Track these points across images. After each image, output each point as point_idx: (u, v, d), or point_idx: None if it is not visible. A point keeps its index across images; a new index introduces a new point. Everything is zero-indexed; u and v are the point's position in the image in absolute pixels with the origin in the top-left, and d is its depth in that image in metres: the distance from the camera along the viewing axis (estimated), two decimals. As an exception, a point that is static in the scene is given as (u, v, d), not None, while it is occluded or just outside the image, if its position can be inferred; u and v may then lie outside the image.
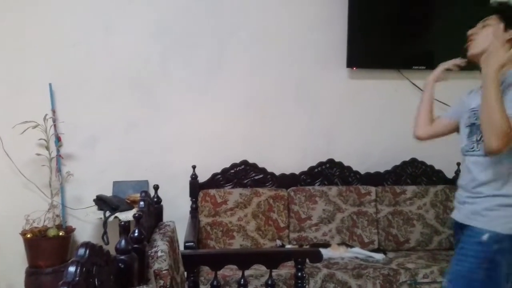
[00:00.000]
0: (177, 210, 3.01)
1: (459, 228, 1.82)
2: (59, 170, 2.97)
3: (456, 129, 1.99)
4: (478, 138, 1.77)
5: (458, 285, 1.75)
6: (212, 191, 3.02)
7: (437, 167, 3.25)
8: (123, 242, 1.36)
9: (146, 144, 3.09)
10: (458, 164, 3.23)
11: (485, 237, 1.68)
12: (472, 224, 1.74)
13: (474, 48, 1.85)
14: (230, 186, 3.11)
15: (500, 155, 1.65)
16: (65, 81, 2.99)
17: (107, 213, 2.71)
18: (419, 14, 3.23)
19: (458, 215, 1.84)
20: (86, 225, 3.04)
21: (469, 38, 1.88)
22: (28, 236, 2.79)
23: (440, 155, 3.24)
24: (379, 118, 3.28)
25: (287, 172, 3.17)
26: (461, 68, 2.06)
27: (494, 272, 1.68)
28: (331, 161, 3.20)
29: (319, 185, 3.18)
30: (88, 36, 3.01)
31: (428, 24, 3.26)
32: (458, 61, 2.05)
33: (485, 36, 1.80)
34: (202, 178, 3.08)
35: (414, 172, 3.25)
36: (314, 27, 3.18)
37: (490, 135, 1.60)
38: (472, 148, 1.80)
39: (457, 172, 3.23)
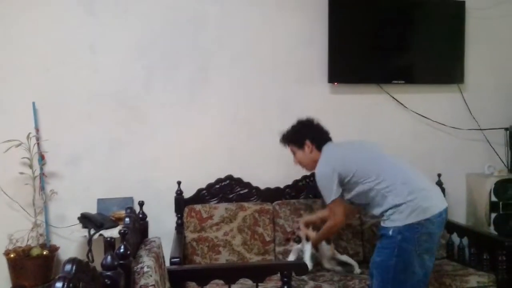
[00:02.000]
0: (162, 226, 3.01)
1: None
2: (42, 188, 2.95)
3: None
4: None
5: (379, 271, 2.25)
6: (198, 207, 3.02)
7: (418, 178, 3.31)
8: (109, 258, 1.37)
9: (130, 160, 3.09)
10: (439, 175, 3.30)
11: (390, 232, 2.20)
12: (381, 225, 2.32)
13: (308, 168, 2.66)
14: (215, 201, 3.12)
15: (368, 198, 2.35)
16: (49, 99, 2.99)
17: (92, 231, 2.69)
18: (398, 30, 3.32)
19: None
20: (70, 244, 3.01)
21: (302, 166, 2.66)
22: (12, 255, 2.75)
23: (421, 167, 3.23)
24: (360, 131, 3.34)
25: (272, 186, 3.20)
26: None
27: (404, 256, 2.18)
28: (315, 175, 3.23)
29: (303, 198, 3.21)
30: (72, 54, 3.02)
31: (406, 39, 3.35)
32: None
33: (303, 160, 2.60)
34: (188, 193, 3.09)
35: (396, 184, 3.30)
36: (296, 45, 3.24)
37: (334, 230, 2.63)
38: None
39: (438, 184, 3.29)
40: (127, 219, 1.74)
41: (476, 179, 3.39)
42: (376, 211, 2.33)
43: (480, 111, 3.44)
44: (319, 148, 2.51)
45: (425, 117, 3.37)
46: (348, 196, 2.41)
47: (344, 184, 2.37)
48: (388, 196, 2.26)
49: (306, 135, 2.54)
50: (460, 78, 3.41)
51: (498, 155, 3.47)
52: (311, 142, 2.52)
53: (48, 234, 3.00)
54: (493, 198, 3.21)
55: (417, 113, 3.35)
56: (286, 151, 3.21)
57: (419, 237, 2.18)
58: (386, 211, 2.26)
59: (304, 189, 3.23)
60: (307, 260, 2.68)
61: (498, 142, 3.47)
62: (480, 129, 3.44)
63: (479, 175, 3.38)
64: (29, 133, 2.85)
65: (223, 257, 2.95)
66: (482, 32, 3.45)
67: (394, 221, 2.22)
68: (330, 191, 2.37)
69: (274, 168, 3.25)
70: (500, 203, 3.20)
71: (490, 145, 3.47)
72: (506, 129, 3.43)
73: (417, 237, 2.18)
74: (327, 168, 2.40)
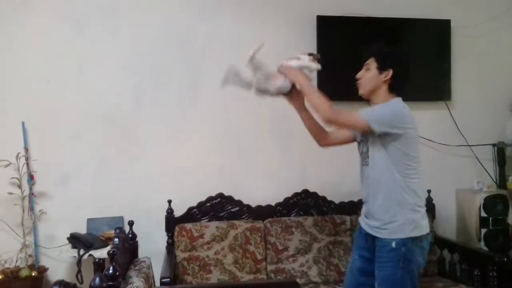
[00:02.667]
0: (153, 245, 2.99)
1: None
2: (31, 208, 2.93)
3: (354, 139, 2.38)
4: (364, 151, 2.25)
5: (385, 286, 2.16)
6: (188, 225, 3.01)
7: (408, 194, 3.32)
8: (97, 279, 1.36)
9: (120, 179, 3.08)
10: (429, 191, 3.33)
11: (393, 244, 2.11)
12: (381, 236, 2.17)
13: (361, 89, 2.28)
14: (206, 220, 3.11)
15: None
16: (38, 119, 2.99)
17: (81, 251, 2.67)
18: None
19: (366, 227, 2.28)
20: (59, 265, 2.97)
21: (357, 81, 2.29)
22: (0, 277, 2.72)
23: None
24: (350, 148, 3.35)
25: (263, 204, 3.20)
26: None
27: (409, 268, 2.13)
28: (306, 192, 3.24)
29: (295, 215, 3.21)
30: (61, 74, 3.03)
31: (394, 57, 3.39)
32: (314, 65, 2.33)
33: (367, 79, 2.24)
34: (178, 212, 3.07)
35: (387, 200, 3.31)
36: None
37: (320, 107, 2.18)
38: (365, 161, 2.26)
39: (428, 200, 3.31)
40: (116, 239, 1.73)
41: (466, 195, 3.41)
42: (383, 198, 2.16)
43: (468, 127, 3.48)
44: (391, 87, 2.22)
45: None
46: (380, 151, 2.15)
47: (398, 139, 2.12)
48: (412, 189, 2.14)
49: (396, 64, 2.21)
50: (447, 95, 3.46)
51: (486, 171, 3.50)
52: (392, 75, 2.20)
53: (37, 255, 2.96)
54: (483, 214, 3.23)
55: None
56: (277, 168, 3.24)
57: (419, 251, 2.16)
58: (390, 210, 2.14)
59: (295, 207, 3.23)
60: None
61: (486, 158, 3.51)
62: (468, 145, 3.48)
63: (469, 191, 3.41)
64: (18, 153, 2.84)
65: (215, 277, 2.93)
66: (468, 50, 3.51)
67: (395, 233, 2.14)
68: (379, 116, 2.11)
69: (265, 185, 3.25)
70: (490, 218, 3.22)
71: (479, 161, 3.50)
72: (494, 145, 3.48)
73: (417, 250, 2.15)
74: (408, 115, 2.17)
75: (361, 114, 2.15)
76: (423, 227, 2.17)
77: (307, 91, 2.22)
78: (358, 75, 2.28)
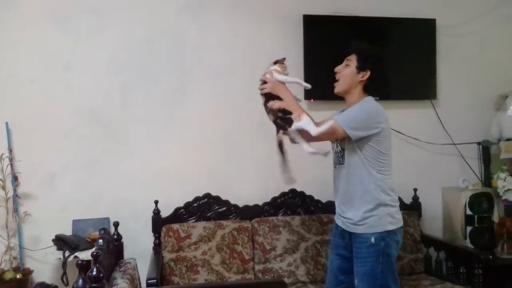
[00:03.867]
0: (140, 246, 2.98)
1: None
2: (16, 210, 2.90)
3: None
4: (338, 150, 2.30)
5: (366, 281, 2.18)
6: (175, 226, 2.99)
7: (395, 193, 3.34)
8: (80, 281, 1.35)
9: (106, 180, 3.06)
10: (415, 190, 3.35)
11: (372, 239, 2.16)
12: (359, 231, 2.21)
13: (338, 87, 2.33)
14: (193, 220, 3.09)
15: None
16: (22, 119, 2.95)
17: (67, 253, 2.65)
18: (372, 47, 3.39)
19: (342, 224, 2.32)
20: (45, 267, 2.94)
21: (336, 75, 2.33)
22: (-17, 280, 2.68)
23: (397, 182, 3.29)
24: (338, 148, 3.37)
25: (251, 204, 3.19)
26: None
27: (388, 261, 2.18)
28: (293, 191, 3.24)
29: (282, 215, 3.21)
30: (46, 72, 3.00)
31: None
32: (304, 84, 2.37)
33: (345, 76, 2.29)
34: (165, 213, 3.06)
35: (373, 199, 3.32)
36: (272, 60, 3.26)
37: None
38: (339, 160, 2.31)
39: (414, 198, 3.34)
40: (100, 241, 1.72)
41: (451, 193, 3.44)
42: (356, 192, 2.22)
43: (453, 126, 3.51)
44: (367, 88, 2.28)
45: (400, 132, 3.42)
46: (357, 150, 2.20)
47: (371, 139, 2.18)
48: (386, 185, 2.21)
49: (374, 67, 2.26)
50: (433, 94, 3.48)
51: (472, 169, 3.54)
52: (369, 76, 2.25)
53: (22, 257, 2.93)
54: (468, 212, 3.25)
55: (391, 129, 3.38)
56: (264, 168, 3.23)
57: (395, 244, 2.22)
58: (366, 205, 2.19)
59: (283, 206, 3.23)
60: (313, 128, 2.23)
61: (471, 156, 3.54)
62: (454, 144, 3.51)
63: (454, 189, 3.44)
64: (2, 154, 2.81)
65: (202, 277, 2.92)
66: (453, 49, 3.54)
67: (373, 227, 2.18)
68: (355, 122, 2.16)
69: (253, 185, 3.25)
70: (475, 216, 3.24)
71: (464, 159, 3.53)
72: (479, 143, 3.51)
73: (394, 244, 2.21)
74: (381, 114, 2.21)
75: (338, 122, 2.18)
76: (398, 221, 2.23)
77: (292, 107, 2.22)
78: (337, 68, 2.34)
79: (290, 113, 2.22)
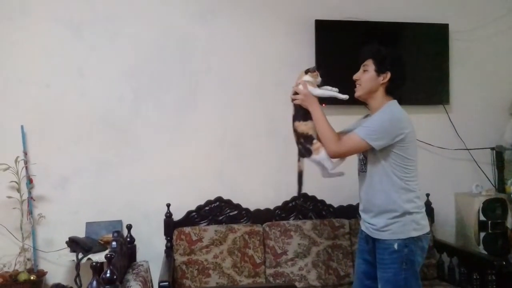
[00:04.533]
0: (152, 249, 3.00)
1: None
2: (30, 212, 2.93)
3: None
4: (361, 157, 2.28)
5: (388, 287, 2.15)
6: (187, 229, 3.01)
7: (407, 198, 3.32)
8: (94, 283, 1.37)
9: (119, 183, 3.08)
10: (428, 195, 3.33)
11: (395, 245, 2.12)
12: (382, 237, 2.18)
13: (359, 91, 2.28)
14: (205, 223, 3.11)
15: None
16: (38, 122, 3.00)
17: (80, 255, 2.67)
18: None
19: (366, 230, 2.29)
20: (58, 268, 2.97)
21: (356, 82, 2.28)
22: (-2, 281, 2.72)
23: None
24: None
25: (262, 208, 3.20)
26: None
27: (412, 269, 2.14)
28: (304, 196, 3.24)
29: (293, 219, 3.21)
30: (61, 78, 3.04)
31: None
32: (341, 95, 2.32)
33: (366, 81, 2.24)
34: (177, 216, 3.07)
35: (385, 204, 3.31)
36: (284, 67, 3.28)
37: (326, 143, 2.20)
38: (362, 168, 2.28)
39: (427, 203, 3.31)
40: (114, 243, 1.74)
41: (465, 198, 3.41)
42: (380, 201, 2.18)
43: (466, 131, 3.49)
44: (388, 90, 2.23)
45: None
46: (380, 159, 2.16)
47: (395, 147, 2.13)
48: (411, 192, 2.17)
49: (394, 68, 2.22)
50: (446, 99, 3.47)
51: (485, 174, 3.51)
52: (390, 78, 2.21)
53: (36, 258, 2.96)
54: (482, 218, 3.23)
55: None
56: (276, 172, 3.24)
57: (420, 251, 2.17)
58: (391, 213, 2.15)
59: (294, 210, 3.23)
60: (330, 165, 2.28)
61: (484, 161, 3.52)
62: (467, 149, 3.49)
63: (467, 194, 3.41)
64: (17, 157, 2.85)
65: (213, 280, 2.92)
66: (466, 54, 3.53)
67: (396, 234, 2.14)
68: (378, 133, 2.11)
69: (264, 189, 3.26)
70: (489, 222, 3.22)
71: (477, 164, 3.51)
72: (492, 148, 3.48)
73: (418, 250, 2.17)
74: (405, 120, 2.17)
75: (360, 136, 2.14)
76: (423, 227, 2.19)
77: (319, 121, 2.22)
78: (356, 76, 2.29)
79: (312, 140, 2.23)
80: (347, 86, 3.31)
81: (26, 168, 2.92)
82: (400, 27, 3.41)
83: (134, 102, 3.13)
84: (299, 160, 2.33)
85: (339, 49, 3.29)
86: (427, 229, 2.20)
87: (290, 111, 3.26)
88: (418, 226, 2.17)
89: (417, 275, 2.17)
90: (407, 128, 2.16)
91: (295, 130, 2.30)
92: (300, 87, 2.26)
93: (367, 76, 2.24)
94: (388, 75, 2.21)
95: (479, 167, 3.51)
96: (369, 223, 2.26)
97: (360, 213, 2.35)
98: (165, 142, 3.16)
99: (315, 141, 2.25)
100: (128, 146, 3.11)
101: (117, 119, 3.11)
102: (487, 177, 3.51)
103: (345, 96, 2.28)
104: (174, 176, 3.14)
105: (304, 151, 2.27)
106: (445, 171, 3.48)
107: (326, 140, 2.20)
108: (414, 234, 2.15)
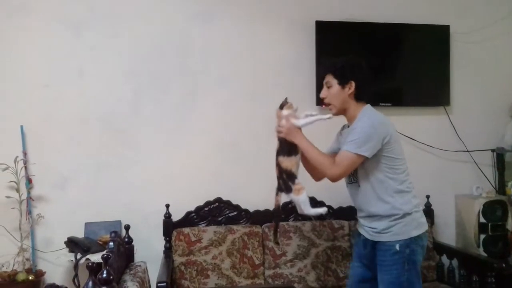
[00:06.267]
0: (151, 250, 3.00)
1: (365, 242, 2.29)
2: (29, 212, 2.93)
3: None
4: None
5: None
6: (186, 230, 3.00)
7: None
8: (90, 283, 1.36)
9: (118, 184, 3.08)
10: (428, 197, 3.32)
11: (397, 246, 2.13)
12: (383, 239, 2.18)
13: (333, 109, 2.27)
14: (204, 224, 3.10)
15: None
16: (37, 122, 3.00)
17: (78, 255, 2.67)
18: (384, 53, 3.37)
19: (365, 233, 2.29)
20: (57, 269, 2.97)
21: (324, 100, 2.29)
22: (-3, 281, 2.72)
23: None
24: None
25: (261, 209, 3.19)
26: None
27: (414, 269, 2.16)
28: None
29: (293, 220, 3.20)
30: (60, 78, 3.04)
31: (393, 63, 3.40)
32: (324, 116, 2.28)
33: (334, 97, 2.24)
34: (176, 216, 3.07)
35: (385, 206, 3.30)
36: (284, 68, 3.29)
37: (322, 169, 2.20)
38: (350, 180, 2.28)
39: (427, 205, 3.30)
40: (111, 243, 1.73)
41: (465, 200, 3.40)
42: (378, 209, 2.18)
43: (467, 133, 3.48)
44: (358, 97, 2.23)
45: (413, 139, 3.40)
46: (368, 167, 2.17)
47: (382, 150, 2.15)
48: (406, 192, 2.18)
49: (355, 75, 2.22)
50: (446, 101, 3.46)
51: (485, 176, 3.50)
52: (355, 86, 2.21)
53: (35, 258, 2.96)
54: (482, 220, 3.22)
55: (404, 135, 3.38)
56: (275, 173, 3.23)
57: (421, 250, 2.19)
58: (391, 217, 2.15)
59: (294, 212, 3.22)
60: (309, 208, 2.32)
61: (485, 163, 3.50)
62: (467, 151, 3.48)
63: (468, 196, 3.40)
64: (17, 157, 2.85)
65: (212, 281, 2.92)
66: (467, 55, 3.52)
67: (398, 235, 2.15)
68: (366, 142, 2.10)
69: (263, 190, 3.22)
70: (489, 224, 3.21)
71: (478, 166, 3.50)
72: (493, 150, 3.47)
73: (419, 249, 2.18)
74: (385, 121, 2.18)
75: (351, 151, 2.13)
76: (422, 225, 2.21)
77: (309, 150, 2.22)
78: (322, 94, 2.29)
79: (294, 179, 2.23)
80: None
81: (25, 168, 2.92)
82: (401, 28, 3.40)
83: (133, 102, 3.12)
84: (277, 194, 2.32)
85: (339, 50, 3.25)
86: (426, 226, 2.23)
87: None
88: (418, 224, 2.19)
89: (419, 275, 2.18)
90: (389, 129, 2.18)
91: (278, 165, 2.30)
92: (283, 121, 2.26)
93: (333, 92, 2.24)
94: (352, 84, 2.21)
95: (480, 169, 3.50)
96: (369, 227, 2.25)
97: (359, 219, 2.35)
98: (164, 143, 3.15)
99: (297, 181, 2.26)
100: (127, 146, 3.11)
101: (116, 119, 3.10)
102: (487, 179, 3.50)
103: (328, 116, 2.27)
104: (173, 177, 3.14)
105: (285, 187, 2.27)
106: (445, 172, 3.48)
107: (322, 166, 2.19)
108: (415, 233, 2.16)
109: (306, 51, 3.27)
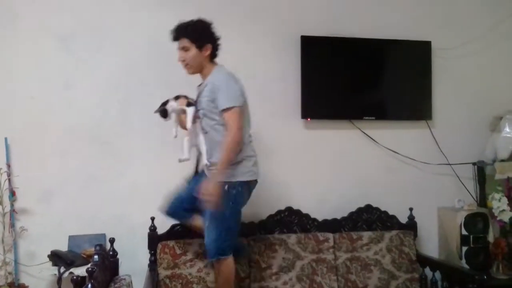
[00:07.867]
0: (136, 263, 2.98)
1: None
2: (12, 225, 2.90)
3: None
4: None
5: (214, 221, 2.51)
6: (171, 243, 2.99)
7: (391, 212, 3.35)
8: (74, 297, 1.36)
9: (103, 196, 3.07)
10: (411, 209, 3.36)
11: (225, 187, 2.47)
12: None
13: (190, 70, 2.62)
14: (189, 237, 3.09)
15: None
16: (22, 134, 2.98)
17: (62, 269, 2.64)
18: (368, 68, 3.44)
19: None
20: (40, 282, 2.93)
21: (183, 63, 2.60)
22: (-23, 295, 2.68)
23: (393, 202, 3.37)
24: (334, 166, 3.41)
25: (246, 222, 3.19)
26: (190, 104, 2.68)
27: (236, 206, 2.58)
28: (289, 209, 3.25)
29: (278, 233, 3.21)
30: (46, 90, 3.03)
31: (376, 77, 3.46)
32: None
33: (192, 59, 2.56)
34: (161, 229, 3.06)
35: (369, 218, 3.33)
36: (270, 81, 3.32)
37: (233, 149, 2.50)
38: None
39: (410, 218, 3.35)
40: (95, 257, 1.73)
41: (447, 213, 3.45)
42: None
43: (449, 146, 3.54)
44: (212, 57, 2.61)
45: (396, 152, 3.46)
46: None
47: None
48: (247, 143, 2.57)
49: (211, 38, 2.59)
50: (428, 115, 3.52)
51: (467, 189, 3.56)
52: (211, 48, 2.58)
53: (17, 272, 2.92)
54: (464, 232, 3.26)
55: (388, 148, 3.44)
56: (259, 186, 3.22)
57: (248, 194, 2.62)
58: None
59: (279, 224, 3.24)
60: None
61: (466, 176, 3.56)
62: (449, 164, 3.54)
63: (450, 209, 3.45)
64: (0, 169, 2.83)
65: (197, 295, 2.91)
66: (448, 71, 3.59)
67: (229, 177, 2.48)
68: (234, 93, 2.50)
69: (248, 203, 3.23)
70: (471, 236, 3.25)
71: (459, 179, 3.56)
72: (474, 163, 3.53)
73: (246, 194, 2.60)
74: (234, 77, 2.56)
75: (229, 106, 2.46)
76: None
77: (226, 166, 2.50)
78: (180, 57, 2.57)
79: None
80: (333, 101, 3.37)
81: (9, 180, 2.90)
82: (384, 44, 3.47)
83: (120, 115, 3.13)
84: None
85: (324, 65, 3.35)
86: (256, 175, 2.68)
87: (276, 125, 3.32)
88: (251, 171, 2.63)
89: (239, 210, 2.63)
90: (240, 87, 2.55)
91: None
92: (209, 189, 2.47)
93: (191, 55, 2.55)
94: (209, 46, 2.56)
95: (461, 182, 3.56)
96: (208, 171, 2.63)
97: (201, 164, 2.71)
98: (150, 155, 3.16)
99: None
100: (113, 159, 3.10)
101: (102, 132, 3.10)
102: (468, 192, 3.56)
103: (181, 107, 2.66)
104: (158, 190, 3.11)
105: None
106: (428, 185, 3.53)
107: (230, 150, 2.48)
108: (246, 178, 2.62)
109: (291, 66, 3.32)
